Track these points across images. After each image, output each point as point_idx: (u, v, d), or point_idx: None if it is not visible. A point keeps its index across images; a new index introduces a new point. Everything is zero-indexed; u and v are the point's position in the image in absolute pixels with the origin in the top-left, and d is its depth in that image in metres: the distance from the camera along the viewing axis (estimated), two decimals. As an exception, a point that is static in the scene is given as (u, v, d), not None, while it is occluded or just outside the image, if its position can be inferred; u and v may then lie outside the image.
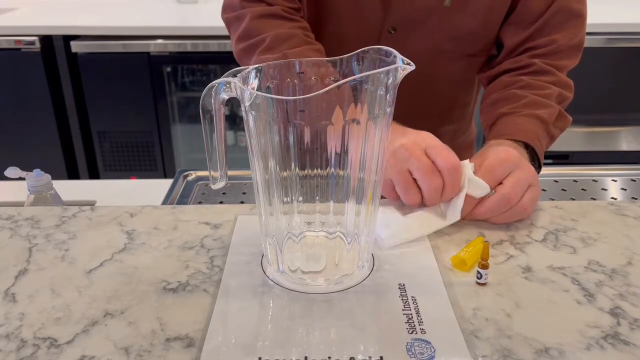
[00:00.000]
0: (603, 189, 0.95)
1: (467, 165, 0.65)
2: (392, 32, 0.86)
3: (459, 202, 0.64)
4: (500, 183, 0.65)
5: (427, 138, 0.66)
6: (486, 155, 0.67)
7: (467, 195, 0.64)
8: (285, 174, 0.52)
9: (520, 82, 0.83)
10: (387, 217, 0.65)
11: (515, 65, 0.86)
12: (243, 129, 0.66)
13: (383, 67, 0.53)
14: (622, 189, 0.95)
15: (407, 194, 0.65)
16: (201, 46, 2.10)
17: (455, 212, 0.64)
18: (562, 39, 0.84)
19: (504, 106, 0.81)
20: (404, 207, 0.67)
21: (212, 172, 0.59)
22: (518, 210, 0.65)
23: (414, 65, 0.50)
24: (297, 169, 0.51)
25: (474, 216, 0.66)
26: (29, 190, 0.80)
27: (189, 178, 0.96)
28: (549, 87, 0.81)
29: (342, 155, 0.50)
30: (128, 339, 0.49)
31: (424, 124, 0.95)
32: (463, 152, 1.06)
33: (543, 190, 0.94)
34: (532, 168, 0.68)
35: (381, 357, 0.46)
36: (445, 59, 0.89)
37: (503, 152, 0.67)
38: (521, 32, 0.85)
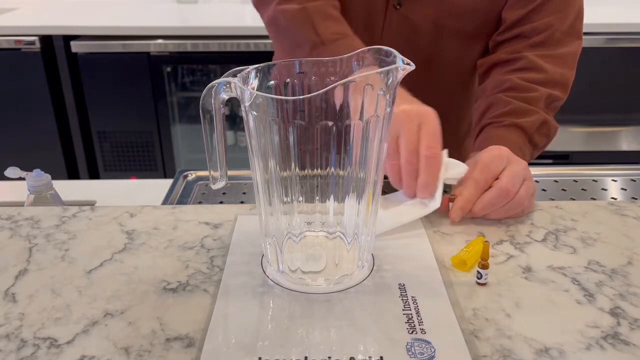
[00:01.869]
0: (603, 189, 0.95)
1: (445, 153, 0.67)
2: (398, 7, 0.87)
3: (438, 189, 0.65)
4: (497, 178, 0.66)
5: (427, 115, 0.66)
6: (479, 156, 0.69)
7: (465, 193, 0.66)
8: (285, 174, 0.52)
9: (506, 82, 0.82)
10: None
11: (509, 56, 0.85)
12: (243, 129, 0.67)
13: (383, 67, 0.53)
14: (622, 189, 0.95)
15: (387, 159, 0.65)
16: (201, 46, 2.10)
17: (435, 199, 0.65)
18: (557, 23, 0.83)
19: (489, 114, 0.81)
20: (387, 204, 0.67)
21: (212, 172, 0.58)
22: (515, 204, 0.66)
23: (414, 65, 0.50)
24: (297, 169, 0.51)
25: (474, 213, 0.66)
26: (29, 190, 0.80)
27: (189, 178, 0.96)
28: (536, 89, 0.81)
29: (342, 155, 0.50)
30: (128, 339, 0.49)
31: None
32: (465, 143, 1.05)
33: (543, 190, 0.94)
34: (525, 162, 0.69)
35: (381, 357, 0.46)
36: (448, 37, 0.89)
37: (495, 150, 0.69)
38: (519, 10, 0.84)
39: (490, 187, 0.66)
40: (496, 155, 0.68)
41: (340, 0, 0.88)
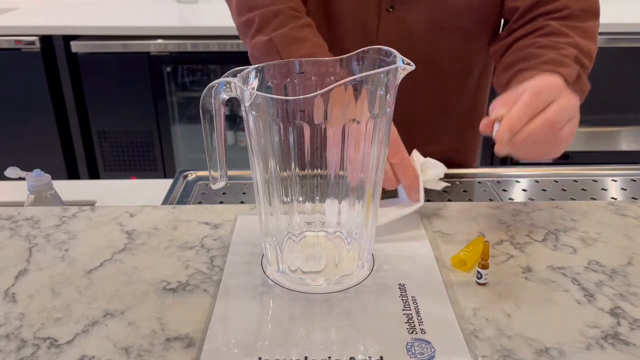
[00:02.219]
0: (603, 189, 0.94)
1: (415, 154, 0.68)
2: (390, 9, 0.86)
3: (420, 189, 0.66)
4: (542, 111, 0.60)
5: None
6: (530, 82, 0.63)
7: (514, 114, 0.59)
8: (285, 174, 0.52)
9: (537, 43, 0.79)
10: None
11: (528, 30, 0.83)
12: (243, 129, 0.66)
13: (383, 67, 0.53)
14: (622, 189, 0.95)
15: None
16: (201, 46, 2.10)
17: (418, 198, 0.66)
18: (575, 4, 0.81)
19: (522, 64, 0.77)
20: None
21: (212, 172, 0.58)
22: (557, 140, 0.61)
23: (414, 65, 0.50)
24: (297, 169, 0.51)
25: (515, 144, 0.59)
26: (29, 190, 0.80)
27: (189, 178, 0.96)
28: (566, 47, 0.78)
29: (342, 155, 0.50)
30: (128, 339, 0.49)
31: (426, 107, 0.95)
32: (469, 152, 1.05)
33: (543, 190, 0.94)
34: (576, 99, 0.64)
35: (381, 357, 0.46)
36: (445, 35, 0.89)
37: (550, 78, 0.64)
38: None
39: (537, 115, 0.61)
40: (551, 83, 0.62)
41: (332, 8, 0.88)
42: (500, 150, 0.59)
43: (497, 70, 0.86)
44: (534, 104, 0.59)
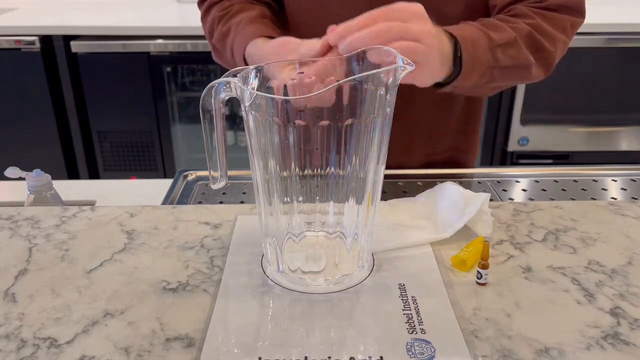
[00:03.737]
0: (603, 189, 0.94)
1: (483, 198, 0.64)
2: None
3: (457, 223, 0.63)
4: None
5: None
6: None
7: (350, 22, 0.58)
8: (285, 174, 0.52)
9: (495, 18, 0.79)
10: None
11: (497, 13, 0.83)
12: (243, 129, 0.66)
13: (383, 67, 0.53)
14: (622, 189, 0.95)
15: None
16: (201, 46, 2.10)
17: (448, 229, 0.63)
18: (552, 0, 0.81)
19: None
20: (396, 212, 0.67)
21: (212, 172, 0.58)
22: (395, 28, 0.58)
23: (414, 65, 0.50)
24: (297, 169, 0.51)
25: (346, 47, 0.57)
26: (29, 190, 0.80)
27: (189, 178, 0.96)
28: (518, 22, 0.77)
29: (342, 155, 0.50)
30: (128, 339, 0.49)
31: (425, 109, 0.95)
32: (468, 152, 1.05)
33: (543, 190, 0.94)
34: (431, 27, 0.62)
35: (381, 357, 0.46)
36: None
37: (413, 4, 0.61)
38: None
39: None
40: (408, 6, 0.60)
41: (325, 13, 0.88)
42: (332, 43, 0.59)
43: None
44: (374, 15, 0.58)
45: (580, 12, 0.84)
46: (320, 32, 0.62)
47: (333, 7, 0.87)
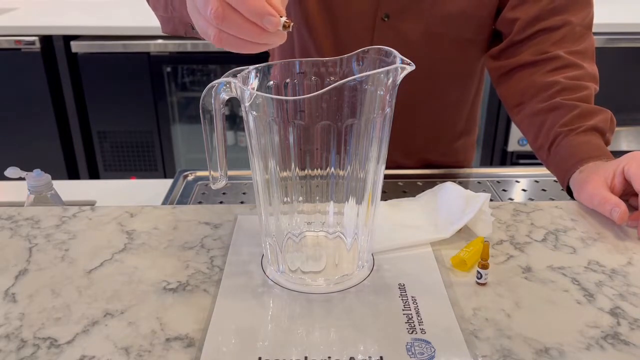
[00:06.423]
0: (603, 189, 0.94)
1: (483, 199, 0.64)
2: (386, 19, 0.86)
3: (457, 223, 0.62)
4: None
5: None
6: (632, 169, 0.67)
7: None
8: (285, 174, 0.52)
9: (556, 84, 0.80)
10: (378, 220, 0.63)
11: (537, 57, 0.83)
12: (243, 129, 0.66)
13: (383, 67, 0.53)
14: (622, 189, 0.95)
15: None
16: (201, 46, 2.10)
17: (448, 228, 0.62)
18: (575, 19, 0.82)
19: (556, 121, 0.78)
20: (396, 212, 0.67)
21: (212, 172, 0.59)
22: None
23: (414, 65, 0.50)
24: (297, 169, 0.51)
25: None
26: (29, 190, 0.80)
27: (189, 178, 0.96)
28: (586, 86, 0.79)
29: (342, 155, 0.50)
30: (128, 339, 0.49)
31: (425, 111, 0.95)
32: (466, 152, 1.05)
33: (543, 190, 0.94)
34: None
35: (381, 357, 0.46)
36: (441, 43, 0.88)
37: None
38: (532, 6, 0.83)
39: None
40: None
41: (331, 13, 0.88)
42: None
43: (517, 109, 0.86)
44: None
45: (592, 28, 0.85)
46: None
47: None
